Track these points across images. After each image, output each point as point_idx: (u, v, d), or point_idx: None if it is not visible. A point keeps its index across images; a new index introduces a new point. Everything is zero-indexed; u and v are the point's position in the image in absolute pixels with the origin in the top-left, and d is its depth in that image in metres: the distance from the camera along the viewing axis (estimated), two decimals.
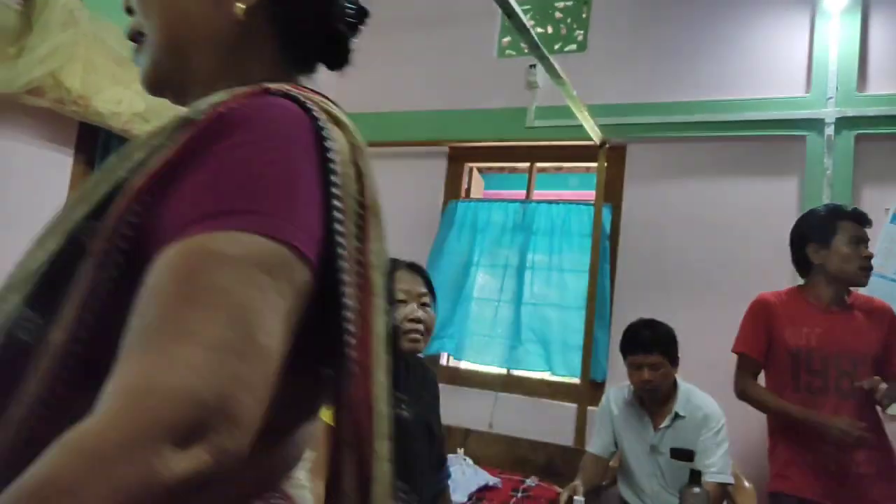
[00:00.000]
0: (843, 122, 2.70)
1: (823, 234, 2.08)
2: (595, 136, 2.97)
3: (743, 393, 2.19)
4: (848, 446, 1.92)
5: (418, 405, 1.68)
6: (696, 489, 1.99)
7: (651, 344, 2.26)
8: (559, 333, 3.17)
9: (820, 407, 2.01)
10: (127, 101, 2.44)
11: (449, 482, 1.84)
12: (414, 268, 1.66)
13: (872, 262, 2.08)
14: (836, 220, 2.08)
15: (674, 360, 2.30)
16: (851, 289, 2.14)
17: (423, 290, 1.64)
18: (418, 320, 1.59)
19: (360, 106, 3.69)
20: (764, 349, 2.16)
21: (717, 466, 2.19)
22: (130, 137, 2.47)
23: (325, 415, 0.62)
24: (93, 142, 2.55)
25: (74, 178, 2.52)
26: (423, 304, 1.63)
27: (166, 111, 2.39)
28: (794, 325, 2.11)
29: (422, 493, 1.62)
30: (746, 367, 2.20)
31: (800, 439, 2.07)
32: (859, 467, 1.98)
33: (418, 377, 1.73)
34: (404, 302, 1.59)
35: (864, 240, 2.07)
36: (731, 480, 2.22)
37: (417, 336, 1.59)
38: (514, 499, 2.62)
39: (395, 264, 1.64)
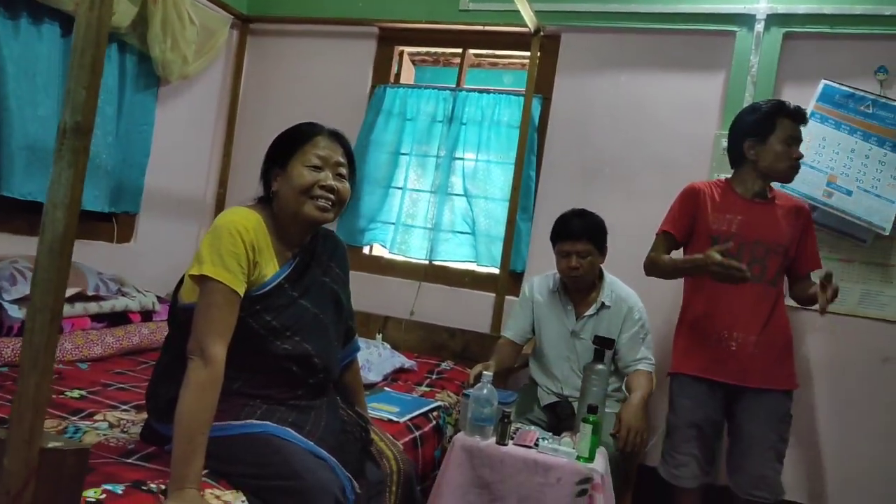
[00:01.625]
0: (773, 19, 2.70)
1: (761, 131, 2.11)
2: (530, 22, 2.88)
3: (650, 263, 2.24)
4: (734, 280, 1.94)
5: (328, 275, 1.65)
6: (599, 366, 2.09)
7: (580, 231, 2.29)
8: (484, 225, 3.18)
9: (727, 289, 2.07)
10: None
11: (358, 355, 1.84)
12: (335, 135, 1.58)
13: None
14: (775, 118, 2.10)
15: (601, 250, 2.34)
16: (774, 184, 2.20)
17: (342, 159, 1.57)
18: (331, 189, 1.53)
19: None
20: (686, 231, 2.23)
21: (648, 357, 2.33)
22: None
23: None
24: None
25: None
26: (340, 175, 1.56)
27: None
28: (718, 212, 2.18)
29: (332, 360, 1.62)
30: (663, 243, 2.26)
31: (699, 324, 2.19)
32: (753, 348, 2.10)
33: (329, 248, 1.69)
34: (319, 168, 1.52)
35: (798, 140, 2.12)
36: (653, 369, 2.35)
37: (327, 204, 1.53)
38: (428, 380, 2.69)
39: (317, 128, 1.56)
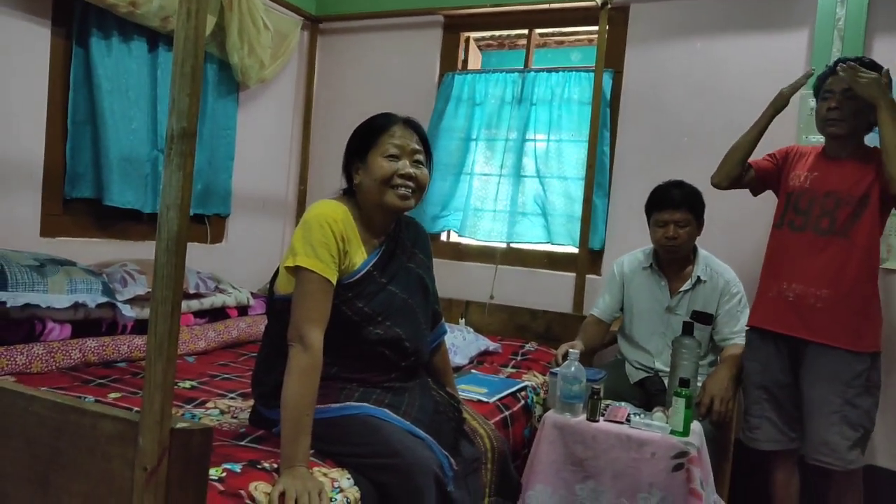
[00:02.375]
0: None
1: (816, 95, 2.16)
2: None
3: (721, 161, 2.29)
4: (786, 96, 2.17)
5: (413, 261, 1.70)
6: (688, 339, 2.05)
7: (680, 200, 2.26)
8: (559, 204, 3.15)
9: (789, 240, 2.11)
10: None
11: (445, 338, 1.88)
12: (410, 123, 1.62)
13: None
14: (821, 83, 2.13)
15: (700, 220, 2.31)
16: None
17: (418, 147, 1.61)
18: (409, 176, 1.57)
19: None
20: (762, 171, 2.27)
21: (744, 331, 2.27)
22: (107, 8, 2.40)
23: None
24: (70, 13, 2.45)
25: (55, 53, 2.44)
26: (417, 162, 1.60)
27: None
28: (797, 170, 2.18)
29: (422, 344, 1.67)
30: None
31: (764, 278, 2.18)
32: (815, 300, 2.03)
33: (412, 235, 1.74)
34: (396, 157, 1.56)
35: (829, 91, 2.09)
36: None
37: (407, 192, 1.57)
38: (513, 361, 2.71)
39: (391, 118, 1.61)
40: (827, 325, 2.02)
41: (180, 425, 0.96)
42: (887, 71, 2.00)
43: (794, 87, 2.20)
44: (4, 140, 2.28)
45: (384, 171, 1.54)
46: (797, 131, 2.64)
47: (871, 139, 2.10)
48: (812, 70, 2.18)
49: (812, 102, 2.32)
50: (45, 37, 2.39)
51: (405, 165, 1.57)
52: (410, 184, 1.58)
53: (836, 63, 2.11)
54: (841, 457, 1.99)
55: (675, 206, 2.26)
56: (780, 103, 2.20)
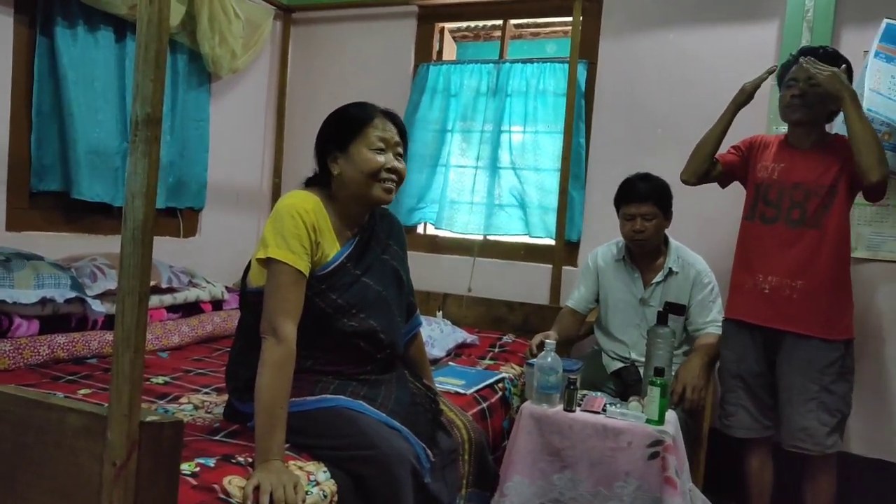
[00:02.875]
0: None
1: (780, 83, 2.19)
2: None
3: (689, 157, 2.29)
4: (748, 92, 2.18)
5: (387, 253, 1.69)
6: (663, 329, 2.07)
7: (645, 194, 2.27)
8: (536, 196, 3.16)
9: (762, 233, 2.13)
10: None
11: (420, 332, 1.87)
12: (389, 115, 1.61)
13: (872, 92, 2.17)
14: (785, 72, 2.15)
15: (667, 213, 2.31)
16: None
17: (399, 139, 1.60)
18: (395, 170, 1.56)
19: None
20: (728, 164, 2.28)
21: (717, 321, 2.29)
22: None
23: None
24: (33, 1, 2.38)
25: (18, 42, 2.37)
26: (398, 155, 1.59)
27: None
28: (764, 161, 2.19)
29: (397, 336, 1.66)
30: None
31: (738, 269, 2.21)
32: (790, 291, 2.06)
33: (387, 227, 1.72)
34: (382, 150, 1.55)
35: (794, 79, 2.10)
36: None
37: (391, 186, 1.57)
38: (490, 353, 2.71)
39: (372, 109, 1.58)
40: (802, 315, 2.05)
41: (150, 418, 0.94)
42: (847, 66, 2.03)
43: (756, 84, 2.20)
44: None
45: (372, 165, 1.52)
46: (767, 122, 2.67)
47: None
48: (775, 66, 2.19)
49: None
50: (7, 25, 2.32)
51: (391, 159, 1.56)
52: (395, 177, 1.57)
53: (799, 52, 2.13)
54: (819, 442, 2.03)
55: (641, 199, 2.26)
56: (741, 98, 2.21)
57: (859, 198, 2.14)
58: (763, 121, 2.68)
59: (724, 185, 2.37)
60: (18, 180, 2.40)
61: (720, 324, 2.29)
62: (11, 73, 2.35)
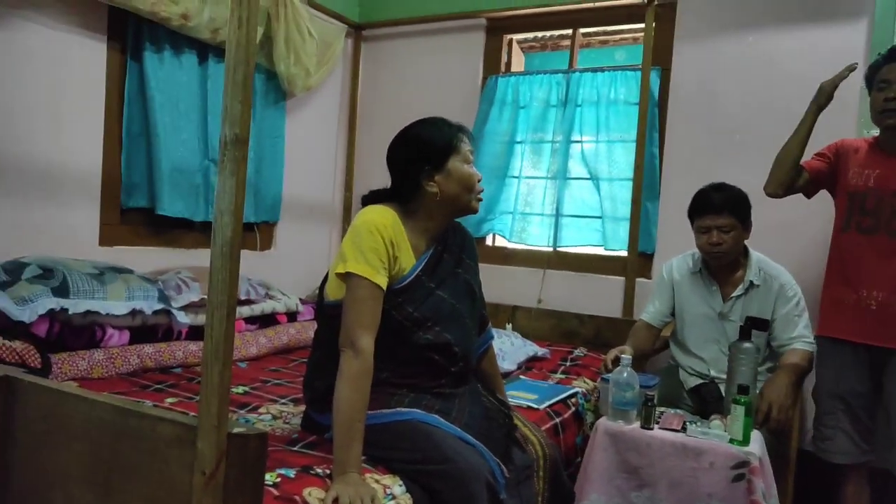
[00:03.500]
0: None
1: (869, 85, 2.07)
2: None
3: (772, 167, 2.20)
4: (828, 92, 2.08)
5: (460, 266, 1.69)
6: (746, 344, 1.98)
7: (721, 204, 2.16)
8: (609, 207, 3.10)
9: (864, 246, 2.01)
10: None
11: (492, 343, 1.86)
12: (468, 131, 1.65)
13: None
14: (874, 73, 2.04)
15: (745, 224, 2.20)
16: None
17: (473, 149, 1.63)
18: (480, 181, 1.62)
19: None
20: (815, 173, 2.18)
21: (805, 336, 2.17)
22: (160, 22, 2.47)
23: None
24: (124, 28, 2.52)
25: (111, 67, 2.52)
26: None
27: None
28: (858, 167, 2.08)
29: (470, 349, 1.66)
30: None
31: (838, 284, 2.08)
32: None
33: (459, 240, 1.73)
34: (471, 163, 1.60)
35: (887, 81, 1.98)
36: (814, 348, 2.18)
37: (481, 197, 1.63)
38: (562, 367, 2.67)
39: (454, 125, 1.62)
40: None
41: (237, 430, 0.96)
42: None
43: (835, 82, 2.08)
44: (65, 152, 2.36)
45: (472, 178, 1.58)
46: (857, 126, 2.53)
47: None
48: (855, 64, 2.07)
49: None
50: (101, 51, 2.46)
51: (477, 171, 1.62)
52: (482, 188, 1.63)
53: (890, 51, 2.01)
54: None
55: (716, 210, 2.16)
56: (822, 99, 2.10)
57: None
58: (852, 124, 2.54)
59: (810, 194, 2.25)
60: (110, 197, 2.54)
61: (808, 339, 2.16)
62: (105, 97, 2.50)
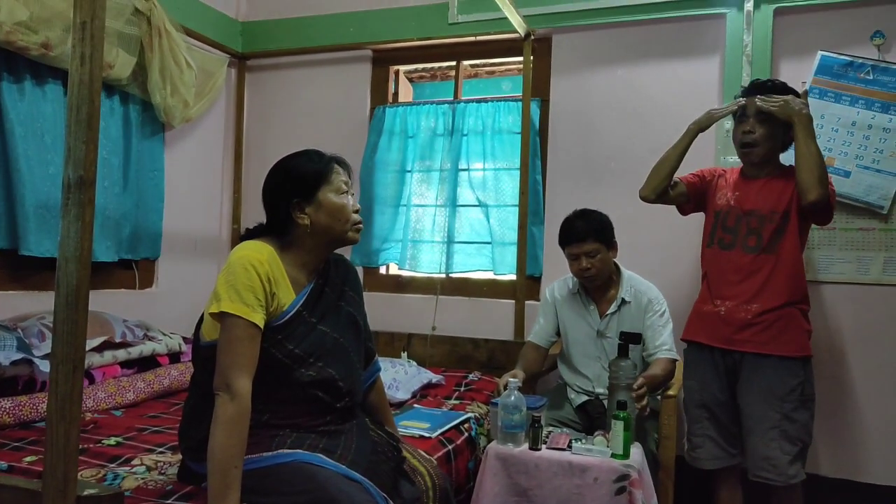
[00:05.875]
0: None
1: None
2: (519, 27, 2.89)
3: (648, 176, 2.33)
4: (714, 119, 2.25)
5: (343, 299, 1.67)
6: (624, 361, 2.07)
7: (584, 232, 2.29)
8: (497, 233, 3.18)
9: (719, 260, 2.20)
10: (6, 8, 2.23)
11: (385, 375, 1.85)
12: (343, 162, 1.63)
13: None
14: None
15: (610, 245, 2.33)
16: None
17: (350, 181, 1.62)
18: (358, 211, 1.61)
19: (277, 12, 3.51)
20: (692, 183, 2.32)
21: (667, 344, 2.29)
22: (17, 51, 2.31)
23: None
24: None
25: None
26: (352, 196, 1.62)
27: (55, 19, 2.24)
28: (720, 190, 2.26)
29: (356, 383, 1.64)
30: None
31: (706, 292, 2.25)
32: (745, 313, 2.11)
33: (342, 273, 1.71)
34: (346, 193, 1.58)
35: (744, 115, 2.18)
36: (677, 357, 2.31)
37: (360, 226, 1.62)
38: (457, 392, 2.69)
39: (327, 156, 1.60)
40: (757, 335, 2.09)
41: (88, 492, 0.90)
42: (805, 91, 2.15)
43: (724, 113, 2.25)
44: None
45: (347, 209, 1.56)
46: (715, 152, 2.75)
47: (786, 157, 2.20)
48: (743, 100, 2.20)
49: (728, 125, 2.42)
50: None
51: (354, 201, 1.60)
52: (360, 218, 1.61)
53: (750, 85, 2.20)
54: (782, 472, 2.03)
55: (580, 238, 2.29)
56: (705, 123, 2.27)
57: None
58: (711, 151, 2.75)
59: (684, 211, 2.40)
60: None
61: (669, 347, 2.29)
62: None
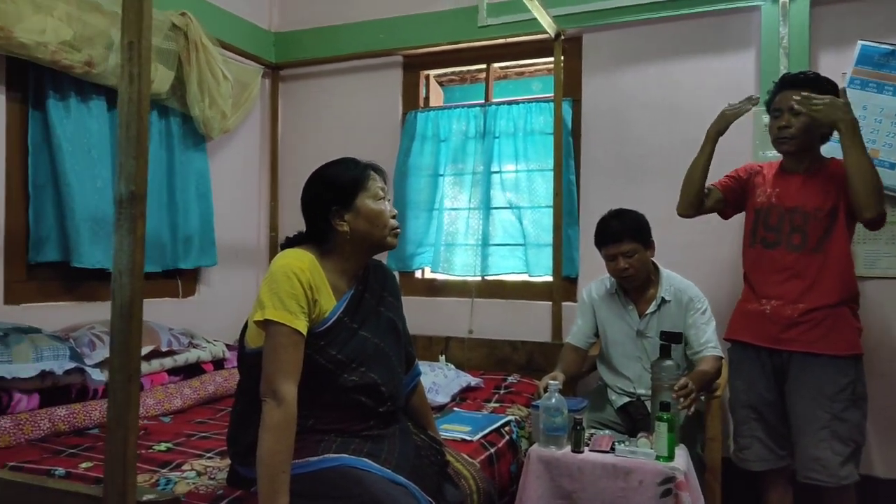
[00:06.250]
0: None
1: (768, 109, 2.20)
2: (549, 28, 2.88)
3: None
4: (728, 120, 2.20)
5: (383, 305, 1.69)
6: (667, 362, 2.05)
7: (620, 233, 2.27)
8: (531, 234, 3.17)
9: (763, 259, 2.13)
10: (51, 29, 2.30)
11: (424, 379, 1.86)
12: (379, 168, 1.65)
13: None
14: (770, 101, 2.16)
15: (647, 244, 2.31)
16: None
17: (386, 187, 1.64)
18: (396, 216, 1.63)
19: (308, 22, 3.56)
20: (730, 187, 2.27)
21: (712, 342, 2.26)
22: (62, 70, 2.39)
23: None
24: (24, 77, 2.43)
25: (10, 117, 2.42)
26: (389, 201, 1.65)
27: (97, 38, 2.31)
28: (761, 187, 2.20)
29: (398, 388, 1.65)
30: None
31: (750, 292, 2.19)
32: (792, 312, 2.05)
33: (380, 278, 1.73)
34: (383, 199, 1.60)
35: (779, 109, 2.11)
36: (723, 354, 2.27)
37: (398, 231, 1.64)
38: (496, 395, 2.68)
39: (364, 163, 1.62)
40: (806, 334, 2.03)
41: (147, 497, 0.93)
42: (844, 90, 2.02)
43: (737, 113, 2.20)
44: None
45: (385, 215, 1.59)
46: (753, 147, 2.70)
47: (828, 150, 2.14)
48: (756, 97, 2.19)
49: (766, 118, 2.37)
50: None
51: (392, 208, 1.62)
52: (398, 223, 1.63)
53: (781, 80, 2.16)
54: (833, 473, 1.98)
55: (617, 239, 2.27)
56: (721, 125, 2.22)
57: None
58: (748, 146, 2.71)
59: (725, 215, 2.35)
60: (15, 253, 2.42)
61: (714, 345, 2.26)
62: (5, 149, 2.39)
